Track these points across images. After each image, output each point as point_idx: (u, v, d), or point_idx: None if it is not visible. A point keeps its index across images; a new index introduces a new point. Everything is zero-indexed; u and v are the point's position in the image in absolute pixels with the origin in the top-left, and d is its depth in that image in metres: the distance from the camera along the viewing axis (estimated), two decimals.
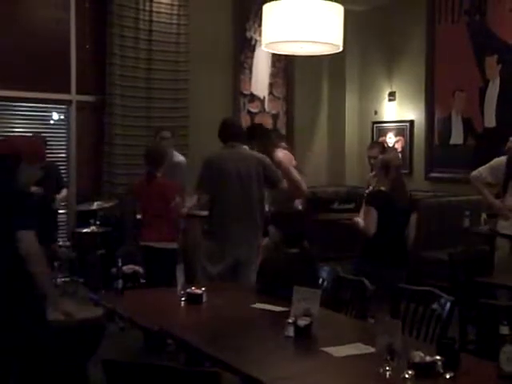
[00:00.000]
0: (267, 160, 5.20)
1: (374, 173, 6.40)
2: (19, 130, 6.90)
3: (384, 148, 6.84)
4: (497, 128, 7.28)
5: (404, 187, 5.12)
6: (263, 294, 3.89)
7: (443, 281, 4.83)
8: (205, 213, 5.60)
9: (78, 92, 7.22)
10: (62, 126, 7.31)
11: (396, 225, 4.91)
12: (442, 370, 2.50)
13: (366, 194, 5.56)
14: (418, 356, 2.53)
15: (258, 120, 8.37)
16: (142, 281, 5.53)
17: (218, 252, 4.81)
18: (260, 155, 5.11)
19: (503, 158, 5.58)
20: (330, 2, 4.76)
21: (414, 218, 5.13)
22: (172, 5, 7.53)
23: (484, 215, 6.39)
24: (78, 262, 6.17)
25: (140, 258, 5.59)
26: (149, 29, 7.38)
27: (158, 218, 5.48)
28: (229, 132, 5.04)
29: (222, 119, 5.48)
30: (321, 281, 4.21)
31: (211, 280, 4.73)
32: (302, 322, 3.05)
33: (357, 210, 6.01)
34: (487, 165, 5.69)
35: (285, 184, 5.15)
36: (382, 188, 4.91)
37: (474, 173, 5.72)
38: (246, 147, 5.02)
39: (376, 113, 8.77)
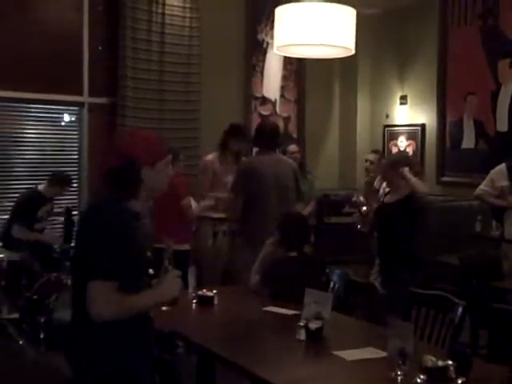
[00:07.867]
0: (298, 169, 5.23)
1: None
2: (31, 131, 6.90)
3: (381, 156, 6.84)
4: (509, 132, 7.23)
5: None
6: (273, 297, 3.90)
7: (453, 285, 4.82)
8: (216, 215, 5.60)
9: (91, 94, 7.22)
10: (74, 128, 7.31)
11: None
12: (454, 375, 2.49)
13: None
14: (430, 360, 2.53)
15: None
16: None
17: (255, 258, 4.71)
18: (293, 163, 5.14)
19: (501, 167, 5.63)
20: (342, 5, 4.75)
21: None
22: (184, 8, 7.54)
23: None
24: None
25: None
26: (161, 31, 7.38)
27: (171, 218, 5.47)
28: (266, 137, 5.01)
29: (258, 124, 5.45)
30: (332, 284, 4.22)
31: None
32: (313, 325, 3.05)
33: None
34: (487, 179, 5.73)
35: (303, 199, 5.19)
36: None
37: (478, 191, 5.77)
38: (279, 152, 5.04)
39: (387, 116, 8.75)
